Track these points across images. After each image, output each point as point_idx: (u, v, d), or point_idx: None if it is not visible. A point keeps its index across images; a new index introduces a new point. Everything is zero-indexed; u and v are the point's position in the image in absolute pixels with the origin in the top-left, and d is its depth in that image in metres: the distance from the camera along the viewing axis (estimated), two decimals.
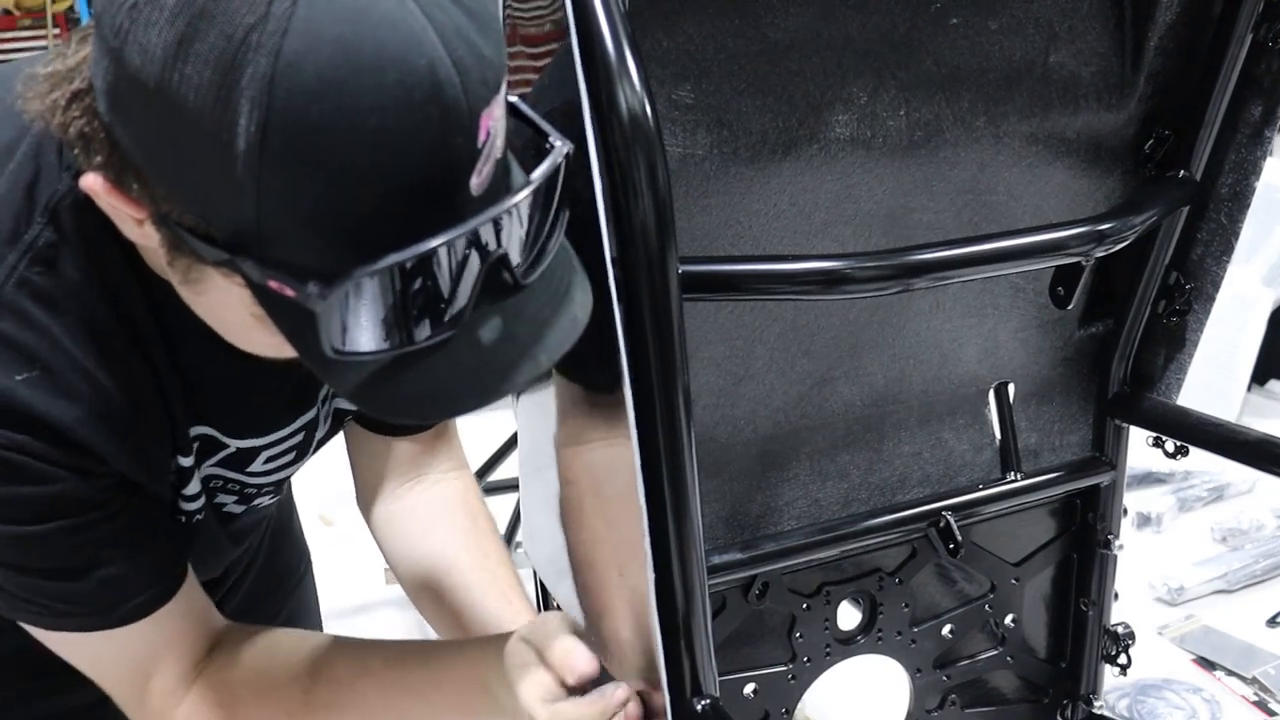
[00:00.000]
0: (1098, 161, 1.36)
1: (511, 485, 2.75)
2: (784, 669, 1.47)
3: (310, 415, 1.10)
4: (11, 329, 0.84)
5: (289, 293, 0.72)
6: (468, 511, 1.29)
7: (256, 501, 1.14)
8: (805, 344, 1.31)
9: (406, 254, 0.70)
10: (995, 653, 1.64)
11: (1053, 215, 1.35)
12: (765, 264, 1.16)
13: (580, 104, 0.80)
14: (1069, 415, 1.59)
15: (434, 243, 0.71)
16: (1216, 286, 1.44)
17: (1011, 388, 1.52)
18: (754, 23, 1.11)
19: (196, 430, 0.99)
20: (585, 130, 0.80)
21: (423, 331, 0.74)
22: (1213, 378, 3.24)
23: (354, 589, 2.72)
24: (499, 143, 0.74)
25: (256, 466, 1.08)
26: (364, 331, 0.73)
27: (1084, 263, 1.29)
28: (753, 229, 1.20)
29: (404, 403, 0.78)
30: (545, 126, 0.80)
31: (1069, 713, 1.71)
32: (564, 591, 1.34)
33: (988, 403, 1.52)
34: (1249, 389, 3.48)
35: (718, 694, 0.94)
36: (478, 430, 2.90)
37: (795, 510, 1.44)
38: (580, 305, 0.82)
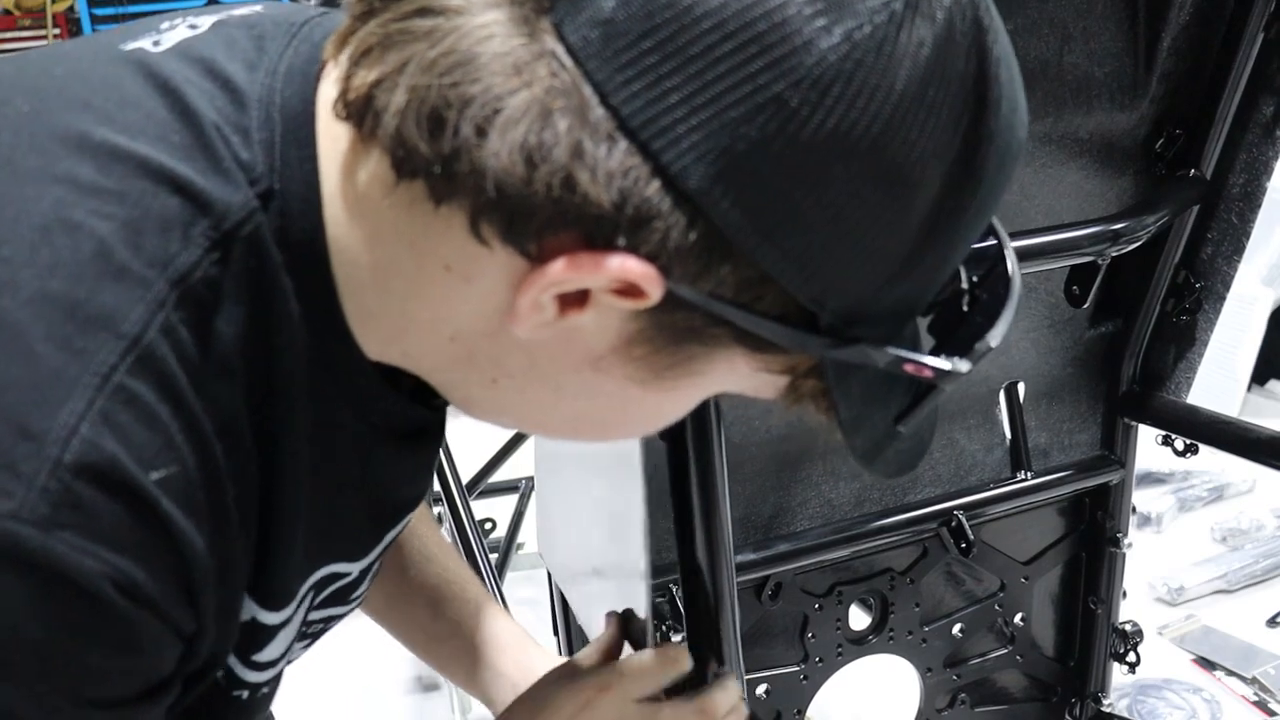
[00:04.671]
0: (1110, 161, 1.37)
1: (512, 487, 2.74)
2: (796, 669, 1.47)
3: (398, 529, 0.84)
4: (150, 397, 0.54)
5: (926, 373, 0.58)
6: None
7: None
8: None
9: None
10: (1005, 651, 1.64)
11: (1065, 215, 1.36)
12: None
13: None
14: (1079, 414, 1.59)
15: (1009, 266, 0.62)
16: (1227, 286, 1.45)
17: (1021, 387, 1.52)
18: None
19: (325, 570, 0.74)
20: None
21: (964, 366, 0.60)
22: (1213, 378, 3.25)
23: None
24: None
25: (362, 590, 0.83)
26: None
27: (1100, 262, 1.30)
28: None
29: (906, 455, 0.67)
30: None
31: (1077, 711, 1.72)
32: (577, 594, 1.34)
33: (998, 402, 1.52)
34: (1249, 389, 3.50)
35: (745, 695, 0.94)
36: (477, 433, 2.90)
37: (808, 511, 1.44)
38: None
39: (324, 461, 0.66)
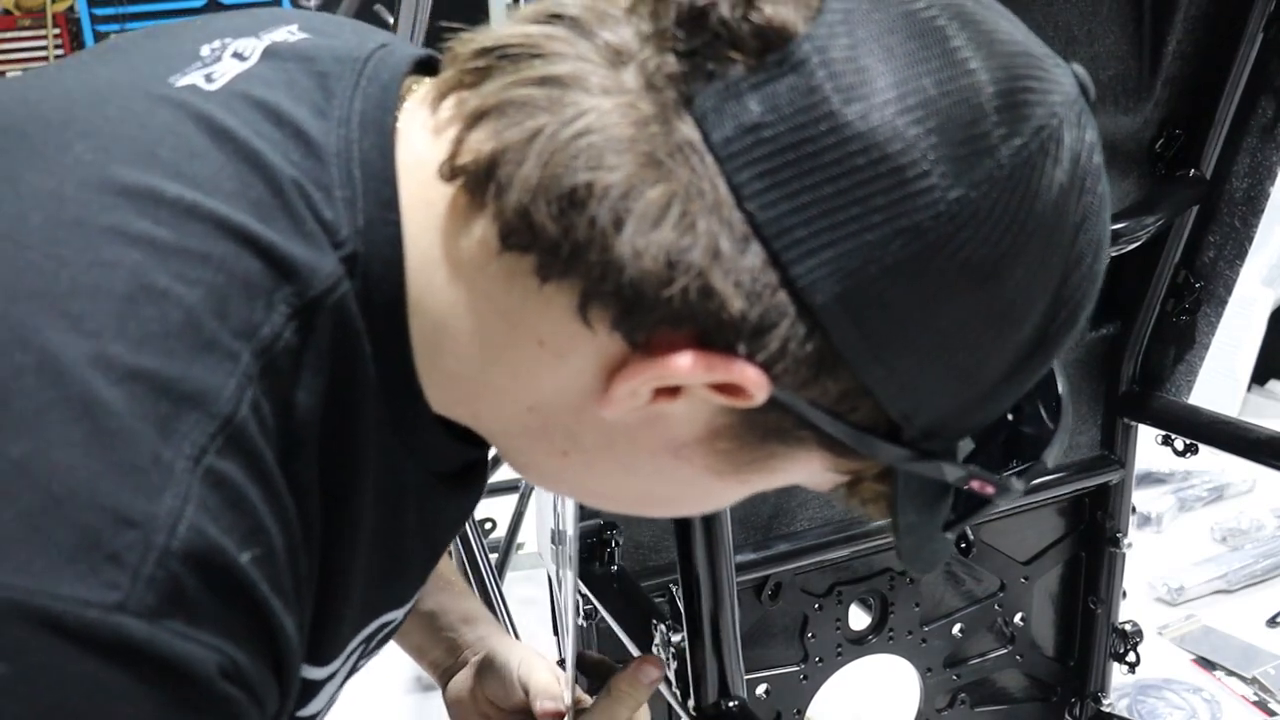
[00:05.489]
0: (1113, 163, 1.36)
1: (512, 487, 2.75)
2: (796, 669, 1.47)
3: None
4: (240, 478, 0.52)
5: (988, 490, 0.60)
6: None
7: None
8: None
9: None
10: (1004, 651, 1.65)
11: None
12: None
13: None
14: (1079, 415, 1.59)
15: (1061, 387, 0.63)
16: (1229, 290, 1.45)
17: None
18: None
19: (379, 621, 0.74)
20: None
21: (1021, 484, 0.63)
22: (1213, 378, 3.25)
23: None
24: None
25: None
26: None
27: None
28: None
29: (940, 553, 0.68)
30: None
31: (1077, 711, 1.72)
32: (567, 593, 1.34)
33: None
34: (1249, 389, 3.49)
35: (745, 695, 0.95)
36: None
37: (808, 511, 1.44)
38: None
39: (388, 518, 0.65)
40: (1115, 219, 1.33)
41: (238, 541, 0.52)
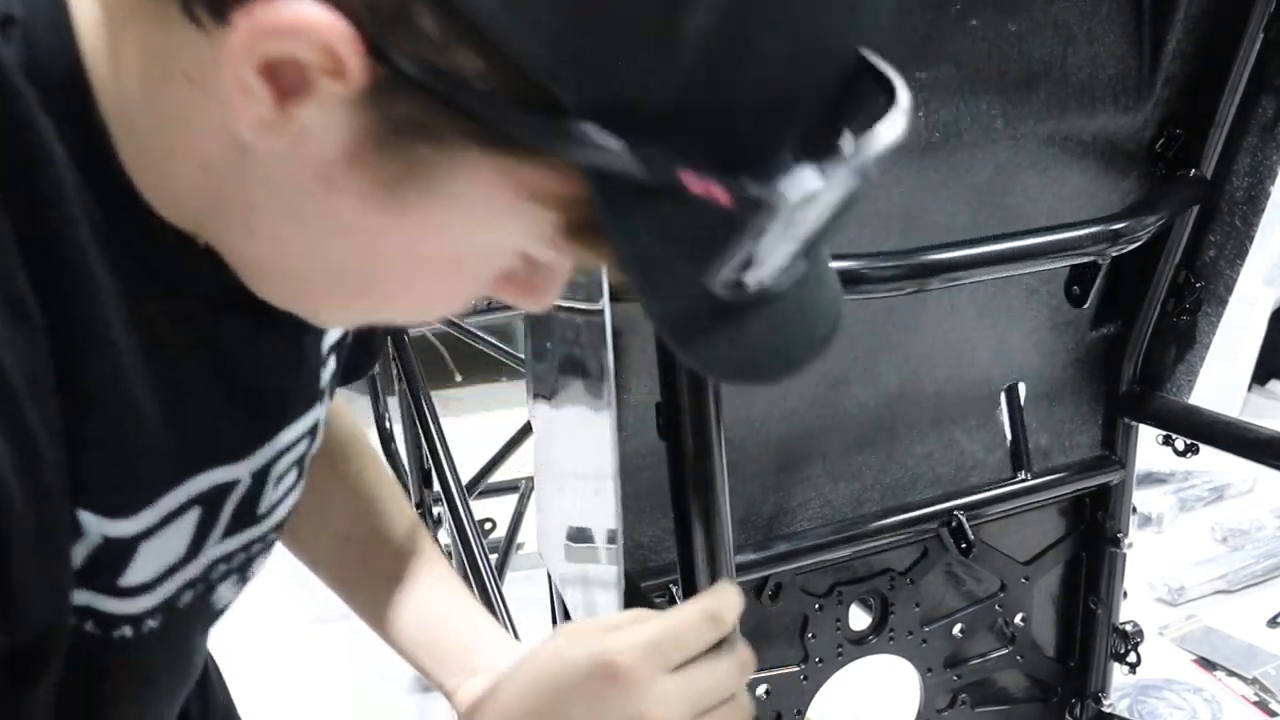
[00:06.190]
0: (1114, 163, 1.36)
1: (512, 487, 2.75)
2: (796, 670, 1.47)
3: (317, 414, 0.76)
4: None
5: (718, 196, 0.46)
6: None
7: (254, 568, 0.79)
8: None
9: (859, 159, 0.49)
10: (1005, 652, 1.64)
11: (1068, 217, 1.35)
12: None
13: None
14: (1080, 415, 1.59)
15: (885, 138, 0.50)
16: (1229, 289, 1.45)
17: (1022, 388, 1.53)
18: None
19: (204, 479, 0.65)
20: None
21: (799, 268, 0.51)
22: (1213, 378, 3.25)
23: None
24: None
25: (269, 506, 0.74)
26: (774, 255, 0.50)
27: (1100, 262, 1.30)
28: None
29: (746, 354, 0.55)
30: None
31: (1078, 711, 1.72)
32: (575, 594, 1.34)
33: (999, 404, 1.52)
34: (1249, 389, 3.50)
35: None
36: (477, 432, 2.90)
37: (808, 511, 1.44)
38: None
39: (154, 344, 0.57)
40: (1115, 219, 1.35)
41: None
